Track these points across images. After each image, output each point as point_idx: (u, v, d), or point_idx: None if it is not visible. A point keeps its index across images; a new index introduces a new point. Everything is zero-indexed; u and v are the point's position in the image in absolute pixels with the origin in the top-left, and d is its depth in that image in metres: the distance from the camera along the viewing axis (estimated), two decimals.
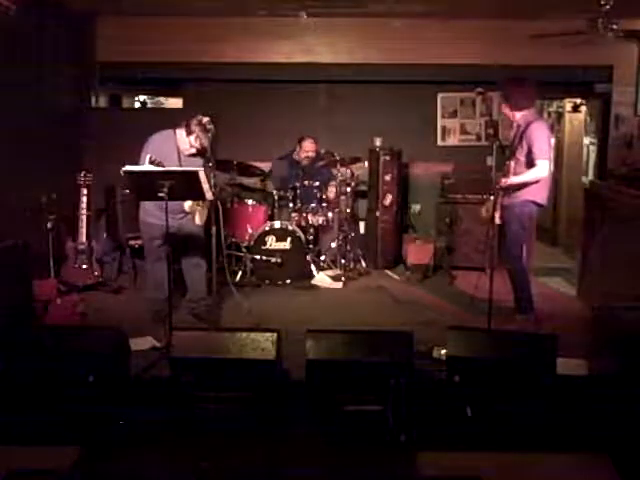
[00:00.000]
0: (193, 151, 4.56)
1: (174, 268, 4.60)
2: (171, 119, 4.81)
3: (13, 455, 2.66)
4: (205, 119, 4.46)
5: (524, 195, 4.57)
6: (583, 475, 2.61)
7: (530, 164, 4.52)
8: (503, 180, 4.51)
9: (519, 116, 4.68)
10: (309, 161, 6.44)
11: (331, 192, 6.38)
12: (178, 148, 4.58)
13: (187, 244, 4.77)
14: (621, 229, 4.87)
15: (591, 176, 7.62)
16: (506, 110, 4.76)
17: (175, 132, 4.61)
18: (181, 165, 4.49)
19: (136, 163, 4.37)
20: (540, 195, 4.60)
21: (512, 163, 4.60)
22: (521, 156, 4.56)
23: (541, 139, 4.50)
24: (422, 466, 2.61)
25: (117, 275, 6.07)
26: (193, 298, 4.94)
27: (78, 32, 6.48)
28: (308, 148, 6.45)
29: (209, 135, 4.44)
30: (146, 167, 4.16)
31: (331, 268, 6.33)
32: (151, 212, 4.59)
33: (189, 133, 4.49)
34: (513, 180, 4.53)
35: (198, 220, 4.68)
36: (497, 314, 4.35)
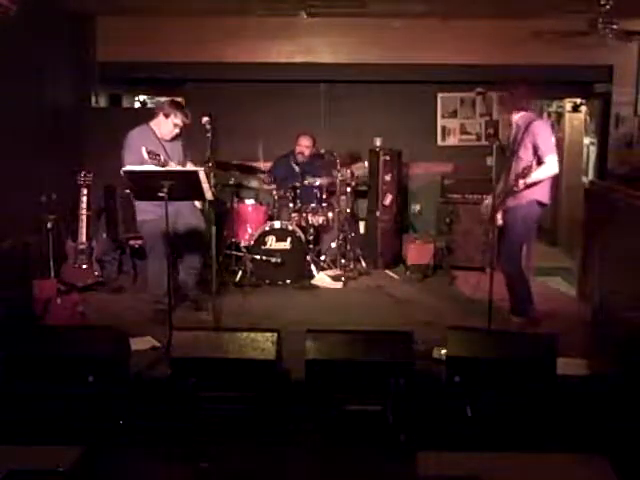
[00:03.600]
0: (177, 131, 4.70)
1: (174, 265, 4.62)
2: None
3: (13, 455, 2.66)
4: (205, 118, 4.46)
5: (529, 195, 4.49)
6: (583, 475, 2.60)
7: (539, 162, 4.47)
8: (520, 182, 4.38)
9: (517, 117, 4.65)
10: (304, 158, 6.47)
11: (324, 180, 6.33)
12: (158, 138, 4.69)
13: (187, 231, 4.83)
14: (621, 229, 4.87)
15: (591, 176, 7.61)
16: (504, 112, 4.75)
17: (149, 125, 4.74)
18: (167, 153, 4.62)
19: (124, 163, 4.45)
20: (544, 194, 4.54)
21: (513, 164, 4.55)
22: (525, 156, 4.48)
23: (545, 136, 4.48)
24: (422, 466, 2.61)
25: (117, 275, 6.08)
26: (186, 263, 4.99)
27: (78, 32, 6.48)
28: (302, 143, 6.48)
29: (208, 135, 4.46)
30: (146, 167, 4.17)
31: (331, 268, 6.32)
32: (145, 208, 4.64)
33: (167, 115, 4.67)
34: (528, 180, 4.40)
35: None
36: (497, 314, 4.35)
